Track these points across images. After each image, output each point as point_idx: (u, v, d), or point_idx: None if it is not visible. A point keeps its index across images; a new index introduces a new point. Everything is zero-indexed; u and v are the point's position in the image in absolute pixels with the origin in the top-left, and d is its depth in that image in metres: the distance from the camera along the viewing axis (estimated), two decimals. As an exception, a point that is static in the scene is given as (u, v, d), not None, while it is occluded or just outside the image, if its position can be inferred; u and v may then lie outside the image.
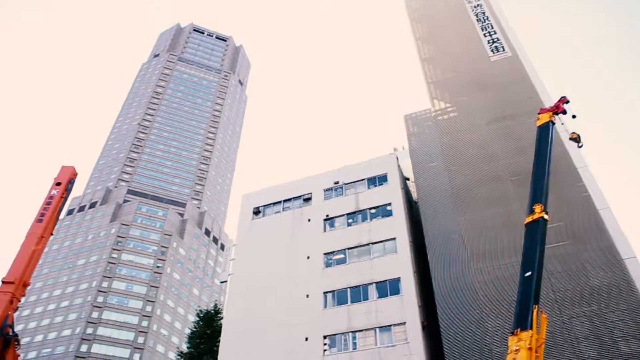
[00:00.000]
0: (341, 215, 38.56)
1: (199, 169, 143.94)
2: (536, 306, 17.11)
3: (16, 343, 20.29)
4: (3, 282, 20.15)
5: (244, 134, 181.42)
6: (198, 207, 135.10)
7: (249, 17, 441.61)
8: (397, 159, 40.62)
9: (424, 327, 30.21)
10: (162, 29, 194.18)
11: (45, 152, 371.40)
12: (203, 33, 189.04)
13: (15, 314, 21.19)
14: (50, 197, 23.23)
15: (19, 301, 20.71)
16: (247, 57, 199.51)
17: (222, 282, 44.63)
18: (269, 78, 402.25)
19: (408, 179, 41.32)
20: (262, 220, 42.23)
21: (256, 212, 42.98)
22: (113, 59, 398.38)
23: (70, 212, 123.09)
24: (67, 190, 24.20)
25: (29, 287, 22.34)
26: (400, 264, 33.49)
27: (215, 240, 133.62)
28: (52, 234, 23.06)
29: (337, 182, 40.72)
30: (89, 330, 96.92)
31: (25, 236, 21.81)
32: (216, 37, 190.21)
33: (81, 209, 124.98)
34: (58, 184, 23.74)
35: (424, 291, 32.61)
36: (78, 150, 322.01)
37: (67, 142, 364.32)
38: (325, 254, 36.80)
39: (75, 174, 25.14)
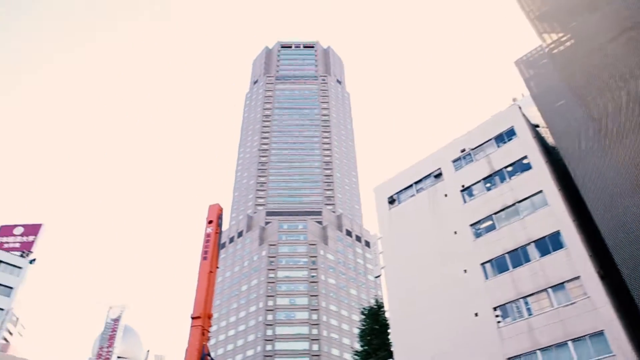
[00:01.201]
0: (477, 182, 37.03)
1: (325, 175, 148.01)
2: None
3: (216, 369, 22.69)
4: (192, 318, 22.70)
5: (356, 129, 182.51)
6: (333, 212, 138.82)
7: (323, 14, 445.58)
8: (520, 108, 37.99)
9: (602, 277, 27.73)
10: (252, 55, 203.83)
11: (183, 193, 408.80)
12: (290, 47, 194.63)
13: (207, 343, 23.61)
14: (207, 235, 25.68)
15: (209, 332, 23.13)
16: (338, 55, 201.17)
17: (376, 277, 45.28)
18: (363, 66, 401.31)
19: (538, 126, 38.43)
20: (399, 208, 42.14)
21: (391, 201, 43.02)
22: (216, 97, 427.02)
23: (222, 245, 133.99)
24: (219, 225, 26.57)
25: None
26: (555, 216, 31.19)
27: (358, 238, 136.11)
28: (217, 267, 25.38)
29: (463, 150, 39.23)
30: (268, 347, 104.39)
31: (197, 275, 24.34)
32: (304, 47, 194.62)
33: (231, 240, 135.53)
34: (210, 221, 26.18)
35: (590, 239, 29.96)
36: (212, 187, 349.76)
37: (199, 182, 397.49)
38: (471, 225, 35.60)
39: (221, 210, 27.49)
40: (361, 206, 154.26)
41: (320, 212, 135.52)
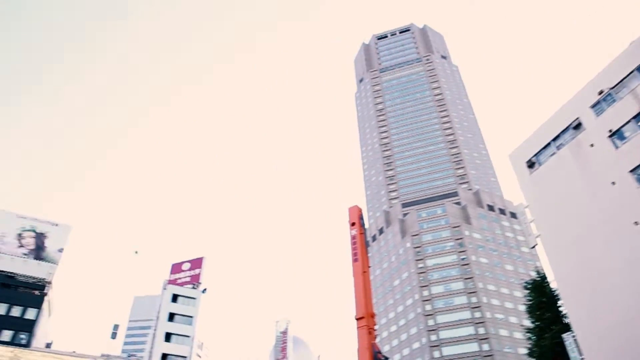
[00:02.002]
0: (627, 122, 32.90)
1: (452, 155, 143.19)
2: None
3: (390, 365, 22.99)
4: (356, 319, 23.31)
5: (473, 100, 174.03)
6: (469, 189, 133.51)
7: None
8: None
9: None
10: (351, 56, 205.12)
11: (319, 202, 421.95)
12: (386, 37, 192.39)
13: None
14: (353, 237, 26.28)
15: (374, 330, 23.54)
16: (437, 31, 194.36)
17: (531, 248, 42.54)
18: (465, 33, 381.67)
19: (687, 39, 33.23)
20: (540, 170, 39.21)
21: (530, 165, 40.21)
22: (326, 105, 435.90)
23: (367, 245, 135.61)
24: (362, 225, 27.05)
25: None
26: None
27: (501, 211, 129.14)
28: (369, 267, 25.79)
29: (601, 92, 35.26)
30: (433, 337, 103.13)
31: (353, 277, 24.98)
32: (400, 33, 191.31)
33: (373, 238, 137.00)
34: (352, 224, 26.76)
35: None
36: (344, 191, 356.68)
37: (331, 190, 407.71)
38: (631, 171, 31.73)
39: (360, 210, 27.99)
40: (497, 178, 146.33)
41: (456, 192, 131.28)
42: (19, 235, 72.54)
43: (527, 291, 46.24)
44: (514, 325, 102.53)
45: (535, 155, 39.93)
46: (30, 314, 66.87)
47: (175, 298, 75.36)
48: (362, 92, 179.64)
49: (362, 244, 25.85)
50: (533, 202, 39.33)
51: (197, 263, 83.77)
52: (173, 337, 71.41)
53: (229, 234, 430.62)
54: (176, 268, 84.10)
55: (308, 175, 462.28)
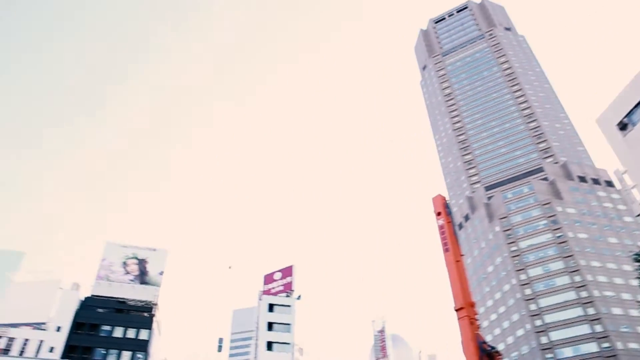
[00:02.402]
0: None
1: (531, 129, 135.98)
2: None
3: (497, 355, 22.06)
4: (456, 310, 22.65)
5: (546, 68, 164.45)
6: (556, 162, 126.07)
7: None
8: None
9: None
10: (410, 46, 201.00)
11: (401, 199, 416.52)
12: (444, 19, 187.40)
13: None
14: (441, 227, 25.66)
15: (476, 320, 22.73)
16: (496, 3, 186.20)
17: (637, 216, 39.34)
18: (528, 1, 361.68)
19: None
20: (635, 131, 36.23)
21: (622, 127, 37.29)
22: (390, 97, 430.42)
23: (455, 233, 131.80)
24: (448, 214, 26.35)
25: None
26: None
27: (595, 181, 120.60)
28: (462, 255, 25.00)
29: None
30: (538, 322, 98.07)
31: (446, 268, 24.34)
32: (457, 12, 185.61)
33: (460, 226, 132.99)
34: (438, 213, 26.14)
35: None
36: (422, 183, 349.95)
37: (408, 184, 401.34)
38: None
39: (444, 199, 27.29)
40: (585, 146, 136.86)
41: (541, 168, 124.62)
42: (124, 263, 78.53)
43: (639, 264, 42.90)
44: (629, 303, 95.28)
45: (627, 115, 36.99)
46: (143, 334, 72.05)
47: (271, 308, 77.73)
48: (427, 79, 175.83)
49: (450, 232, 25.16)
50: (632, 166, 36.41)
51: (287, 271, 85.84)
52: (274, 346, 73.66)
53: (315, 237, 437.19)
54: (268, 278, 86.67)
55: (387, 171, 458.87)
